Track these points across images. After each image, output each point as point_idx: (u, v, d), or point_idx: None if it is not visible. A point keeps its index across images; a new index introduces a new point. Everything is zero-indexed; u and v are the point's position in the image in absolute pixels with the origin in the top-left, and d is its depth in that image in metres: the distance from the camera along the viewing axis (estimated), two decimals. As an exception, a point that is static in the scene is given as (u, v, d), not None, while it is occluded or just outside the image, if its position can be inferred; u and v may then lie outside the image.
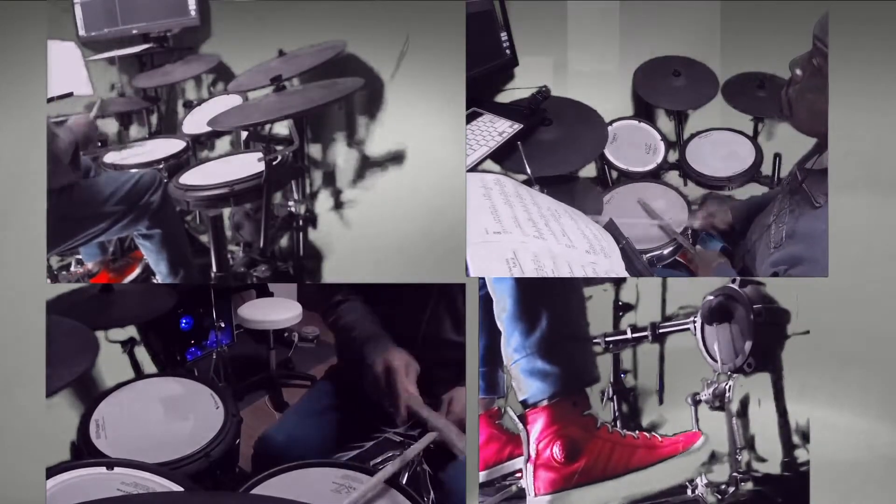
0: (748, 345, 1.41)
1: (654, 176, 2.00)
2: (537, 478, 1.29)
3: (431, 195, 1.82)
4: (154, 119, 2.44)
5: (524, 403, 1.33)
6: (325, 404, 1.57)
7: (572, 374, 1.31)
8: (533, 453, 1.30)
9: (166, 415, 1.42)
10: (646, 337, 1.66)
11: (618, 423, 1.72)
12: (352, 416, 1.51)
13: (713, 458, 1.37)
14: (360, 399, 1.49)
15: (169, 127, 2.43)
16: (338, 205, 2.11)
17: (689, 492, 1.35)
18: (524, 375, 1.31)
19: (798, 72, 1.37)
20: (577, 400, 1.31)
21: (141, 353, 1.79)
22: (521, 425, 1.31)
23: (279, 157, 1.76)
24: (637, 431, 1.34)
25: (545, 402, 1.30)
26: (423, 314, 1.51)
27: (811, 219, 1.38)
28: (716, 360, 1.47)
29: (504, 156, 1.74)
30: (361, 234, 2.07)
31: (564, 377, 1.30)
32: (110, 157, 2.10)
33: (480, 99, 1.88)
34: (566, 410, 1.29)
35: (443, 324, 1.51)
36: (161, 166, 2.03)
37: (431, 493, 1.29)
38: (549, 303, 1.31)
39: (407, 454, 1.27)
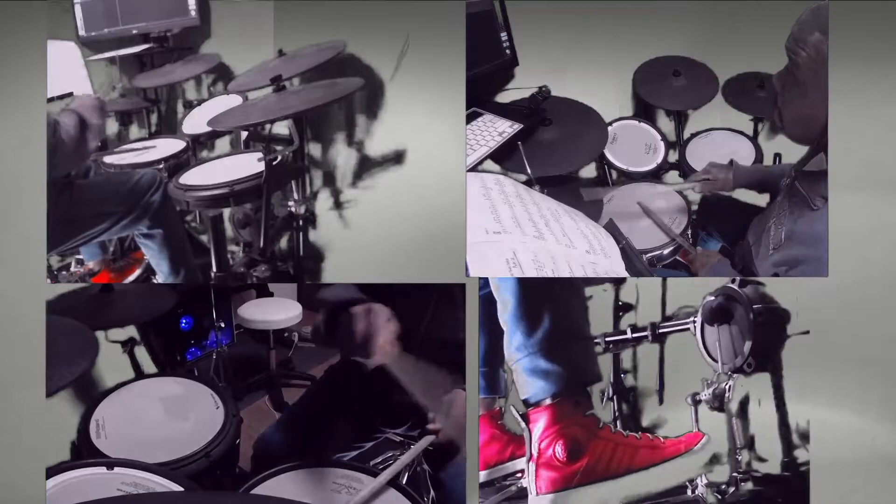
0: (748, 345, 1.41)
1: (654, 176, 2.00)
2: (539, 477, 1.29)
3: (431, 195, 1.82)
4: (154, 119, 2.43)
5: (526, 402, 1.33)
6: (324, 404, 1.57)
7: (574, 373, 1.32)
8: (535, 452, 1.30)
9: (166, 415, 1.42)
10: (646, 337, 1.65)
11: (618, 423, 1.72)
12: (349, 416, 1.51)
13: (714, 459, 1.37)
14: (358, 399, 1.49)
15: (169, 127, 2.43)
16: (338, 205, 2.11)
17: (689, 492, 1.35)
18: (526, 374, 1.31)
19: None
20: (579, 400, 1.31)
21: (141, 353, 1.79)
22: (523, 424, 1.32)
23: (279, 157, 1.76)
24: (640, 433, 1.34)
25: (547, 402, 1.30)
26: (424, 314, 1.51)
27: (810, 220, 1.38)
28: (716, 360, 1.47)
29: (504, 156, 1.74)
30: (361, 234, 2.07)
31: (566, 376, 1.30)
32: (110, 158, 2.10)
33: (480, 99, 1.88)
34: (568, 410, 1.30)
35: (443, 324, 1.51)
36: (161, 166, 2.03)
37: (432, 492, 1.29)
38: (551, 302, 1.31)
39: (405, 458, 1.27)
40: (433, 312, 1.50)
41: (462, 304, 1.51)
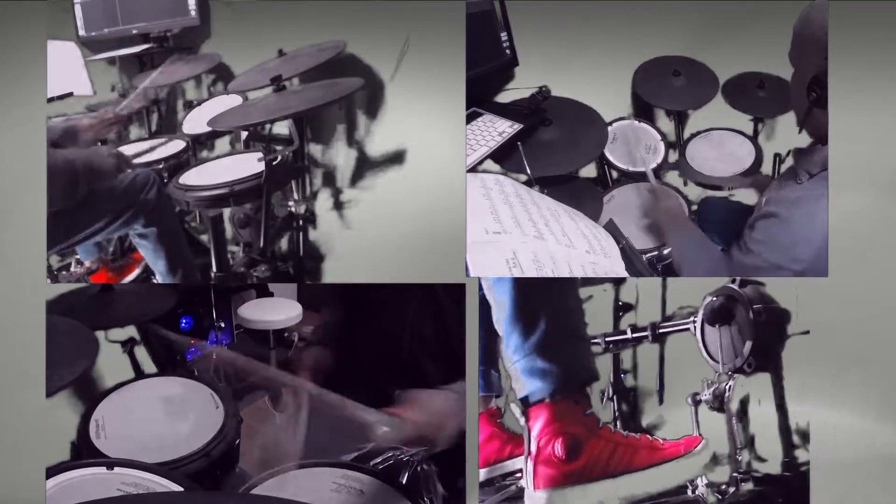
0: (748, 345, 1.41)
1: (655, 176, 1.99)
2: (537, 474, 1.29)
3: (431, 195, 1.82)
4: (154, 119, 2.43)
5: (525, 401, 1.33)
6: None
7: (572, 373, 1.32)
8: (534, 449, 1.30)
9: (166, 415, 1.42)
10: (646, 337, 1.66)
11: (618, 423, 1.72)
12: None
13: (714, 460, 1.37)
14: (359, 398, 1.49)
15: (169, 127, 2.43)
16: (338, 205, 2.11)
17: (689, 492, 1.35)
18: (524, 376, 1.31)
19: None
20: (578, 399, 1.31)
21: (141, 353, 1.79)
22: (522, 420, 1.32)
23: (279, 157, 1.76)
24: (639, 433, 1.34)
25: (546, 400, 1.30)
26: (408, 313, 1.52)
27: (788, 190, 1.39)
28: (716, 361, 1.47)
29: (504, 156, 1.74)
30: (361, 234, 2.07)
31: (564, 375, 1.30)
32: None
33: (480, 99, 1.88)
34: (568, 409, 1.29)
35: (427, 322, 1.51)
36: (161, 166, 2.03)
37: (439, 488, 1.29)
38: (547, 303, 1.32)
39: None
40: (415, 312, 1.51)
41: (453, 304, 1.51)
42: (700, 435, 1.35)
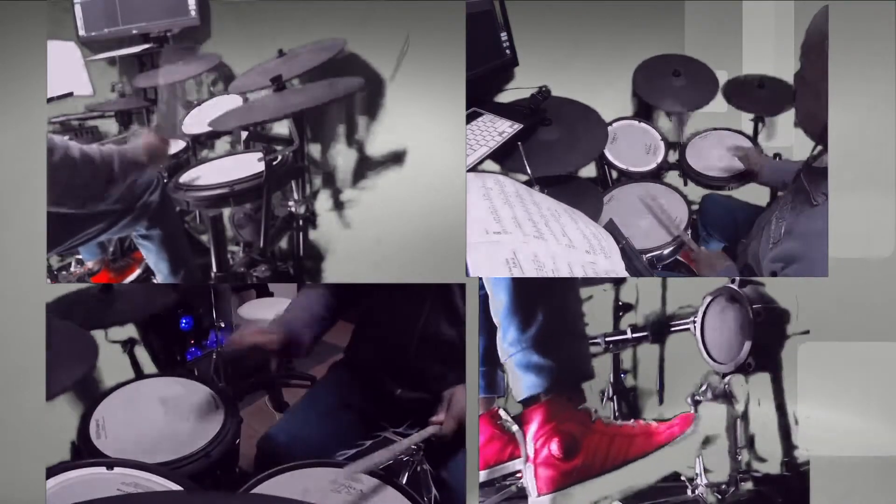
0: (748, 345, 1.41)
1: (655, 176, 2.00)
2: (538, 477, 1.29)
3: (431, 195, 1.82)
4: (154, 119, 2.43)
5: (523, 402, 1.32)
6: (326, 403, 1.57)
7: (567, 369, 1.31)
8: (531, 452, 1.30)
9: (166, 415, 1.42)
10: (646, 337, 1.66)
11: (618, 422, 1.72)
12: (352, 415, 1.51)
13: (708, 441, 1.37)
14: (360, 397, 1.49)
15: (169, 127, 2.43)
16: (338, 205, 2.11)
17: (689, 492, 1.35)
18: (519, 370, 1.31)
19: (794, 81, 1.44)
20: (571, 395, 1.31)
21: (141, 353, 1.79)
22: (515, 426, 1.31)
23: (279, 157, 1.76)
24: (633, 420, 1.34)
25: (541, 398, 1.30)
26: (420, 313, 1.51)
27: (809, 217, 1.38)
28: (716, 361, 1.47)
29: (504, 156, 1.74)
30: (361, 234, 2.07)
31: (559, 371, 1.30)
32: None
33: (480, 99, 1.88)
34: (561, 406, 1.29)
35: (440, 323, 1.51)
36: (161, 166, 2.02)
37: (433, 491, 1.29)
38: (545, 298, 1.31)
39: (405, 442, 1.29)
40: (429, 312, 1.51)
41: (457, 303, 1.51)
42: (694, 411, 1.35)
